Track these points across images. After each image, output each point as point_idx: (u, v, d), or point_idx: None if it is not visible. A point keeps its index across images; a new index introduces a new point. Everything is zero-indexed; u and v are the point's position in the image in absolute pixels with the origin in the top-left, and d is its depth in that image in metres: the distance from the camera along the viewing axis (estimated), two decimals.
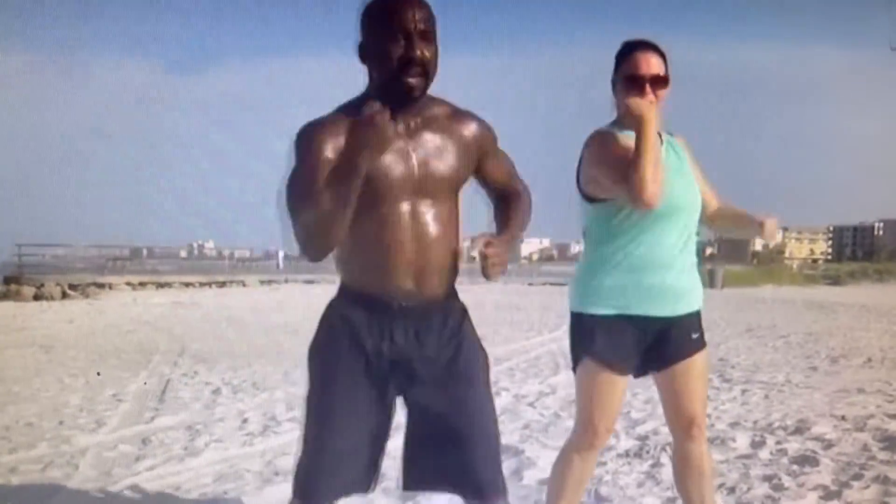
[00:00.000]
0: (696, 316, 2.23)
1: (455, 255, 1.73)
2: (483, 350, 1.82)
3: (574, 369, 2.25)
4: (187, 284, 22.79)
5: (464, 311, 1.81)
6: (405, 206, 1.63)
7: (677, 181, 2.14)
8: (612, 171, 2.08)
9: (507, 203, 1.83)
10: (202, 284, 23.13)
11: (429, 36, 1.60)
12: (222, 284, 23.66)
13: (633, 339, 2.16)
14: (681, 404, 2.24)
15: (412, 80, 1.59)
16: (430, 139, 1.67)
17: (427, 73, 1.61)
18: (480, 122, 1.77)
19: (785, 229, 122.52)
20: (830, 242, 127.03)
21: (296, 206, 1.56)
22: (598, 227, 2.19)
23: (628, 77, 2.10)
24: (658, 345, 2.18)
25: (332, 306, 1.75)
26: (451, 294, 1.77)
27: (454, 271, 1.75)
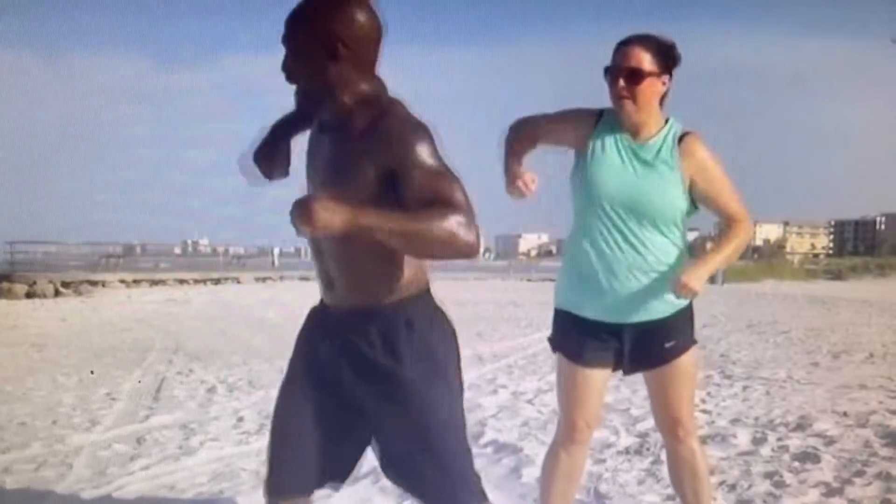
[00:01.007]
0: (671, 321, 2.15)
1: (385, 264, 1.62)
2: (447, 358, 1.70)
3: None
4: (181, 282, 22.75)
5: (411, 321, 1.65)
6: None
7: (631, 184, 2.07)
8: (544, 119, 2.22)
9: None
10: (197, 282, 23.09)
11: (294, 52, 1.59)
12: (217, 281, 23.62)
13: (593, 336, 2.15)
14: (664, 407, 2.24)
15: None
16: (339, 149, 1.59)
17: (299, 82, 1.62)
18: (393, 133, 1.52)
19: (786, 224, 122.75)
20: (832, 237, 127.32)
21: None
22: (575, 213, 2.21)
23: (606, 68, 2.09)
24: (629, 349, 2.16)
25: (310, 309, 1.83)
26: (393, 303, 1.64)
27: (385, 280, 1.63)
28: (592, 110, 2.17)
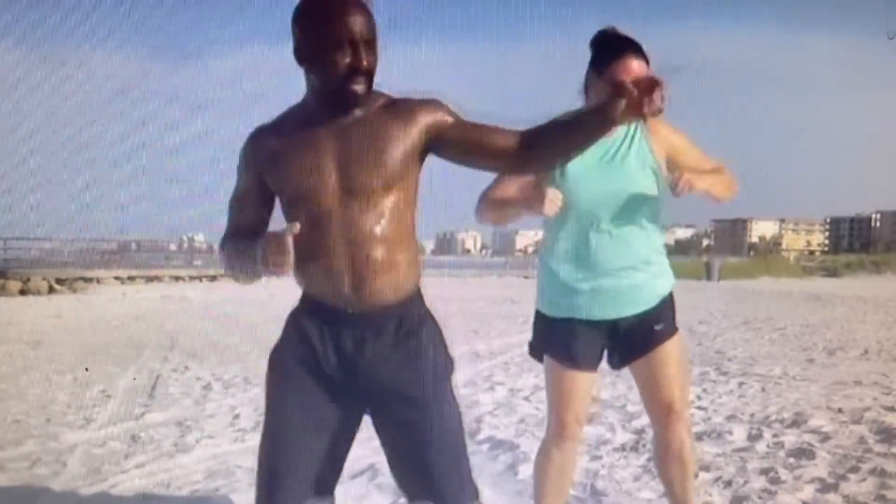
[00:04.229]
0: (659, 308, 2.17)
1: (408, 255, 1.64)
2: (447, 354, 1.74)
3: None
4: (177, 278, 22.67)
5: (423, 316, 1.71)
6: (335, 211, 1.57)
7: (607, 182, 2.07)
8: None
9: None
10: (192, 278, 23.01)
11: (372, 43, 1.56)
12: (213, 278, 23.52)
13: (585, 339, 2.16)
14: (656, 392, 2.23)
15: (358, 89, 1.55)
16: (359, 138, 1.59)
17: (371, 79, 1.58)
18: (421, 103, 1.64)
19: (782, 221, 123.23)
20: (827, 234, 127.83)
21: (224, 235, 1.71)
22: (545, 221, 2.20)
23: (619, 83, 2.05)
24: (619, 341, 2.18)
25: (291, 314, 1.73)
26: (408, 298, 1.67)
27: (408, 273, 1.65)
28: None
